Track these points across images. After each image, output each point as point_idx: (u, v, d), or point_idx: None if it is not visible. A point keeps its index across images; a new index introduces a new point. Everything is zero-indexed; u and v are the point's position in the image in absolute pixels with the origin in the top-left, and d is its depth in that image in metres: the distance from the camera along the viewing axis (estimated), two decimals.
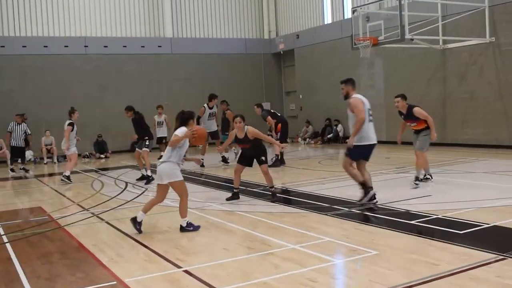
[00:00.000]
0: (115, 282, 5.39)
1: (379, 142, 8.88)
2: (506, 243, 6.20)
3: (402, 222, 7.42)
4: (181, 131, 7.28)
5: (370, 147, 8.52)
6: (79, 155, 14.90)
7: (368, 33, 16.18)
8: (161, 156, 8.14)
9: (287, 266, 5.64)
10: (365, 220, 7.69)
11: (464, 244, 6.05)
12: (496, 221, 7.03)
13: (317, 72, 23.28)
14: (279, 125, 14.75)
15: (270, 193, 9.66)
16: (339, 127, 21.95)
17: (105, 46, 22.64)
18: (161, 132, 17.64)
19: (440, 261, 5.48)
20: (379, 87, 19.86)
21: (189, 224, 7.45)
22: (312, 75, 23.58)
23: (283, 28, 26.06)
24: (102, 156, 20.99)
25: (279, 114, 15.40)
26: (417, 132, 10.20)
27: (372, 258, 5.78)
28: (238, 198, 9.67)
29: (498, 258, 5.46)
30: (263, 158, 9.47)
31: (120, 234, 7.56)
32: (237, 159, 10.19)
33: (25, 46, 21.36)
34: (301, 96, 24.65)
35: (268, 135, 13.32)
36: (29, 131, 17.24)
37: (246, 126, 9.41)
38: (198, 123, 14.64)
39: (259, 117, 15.10)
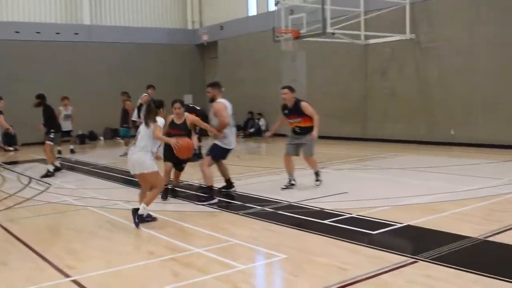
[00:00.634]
0: None
1: None
2: (418, 245, 6.03)
3: (315, 221, 7.11)
4: (161, 122, 7.23)
5: (231, 150, 9.07)
6: None
7: (291, 26, 15.87)
8: (132, 144, 7.46)
9: (187, 273, 5.17)
10: (277, 219, 7.27)
11: (376, 246, 5.80)
12: (409, 220, 6.86)
13: (240, 64, 22.83)
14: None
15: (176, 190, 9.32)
16: (262, 121, 21.62)
17: (16, 32, 21.21)
18: (67, 126, 16.27)
19: (349, 265, 5.18)
20: (302, 81, 19.66)
21: (148, 215, 7.25)
22: (235, 68, 23.07)
23: (207, 19, 25.42)
24: (11, 148, 19.64)
25: (198, 108, 14.81)
26: (299, 132, 9.44)
27: (279, 263, 5.41)
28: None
29: (409, 262, 5.24)
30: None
31: (11, 238, 6.80)
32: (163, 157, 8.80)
33: None
34: (223, 89, 24.03)
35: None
36: None
37: (186, 113, 8.86)
38: (138, 113, 13.96)
39: None
